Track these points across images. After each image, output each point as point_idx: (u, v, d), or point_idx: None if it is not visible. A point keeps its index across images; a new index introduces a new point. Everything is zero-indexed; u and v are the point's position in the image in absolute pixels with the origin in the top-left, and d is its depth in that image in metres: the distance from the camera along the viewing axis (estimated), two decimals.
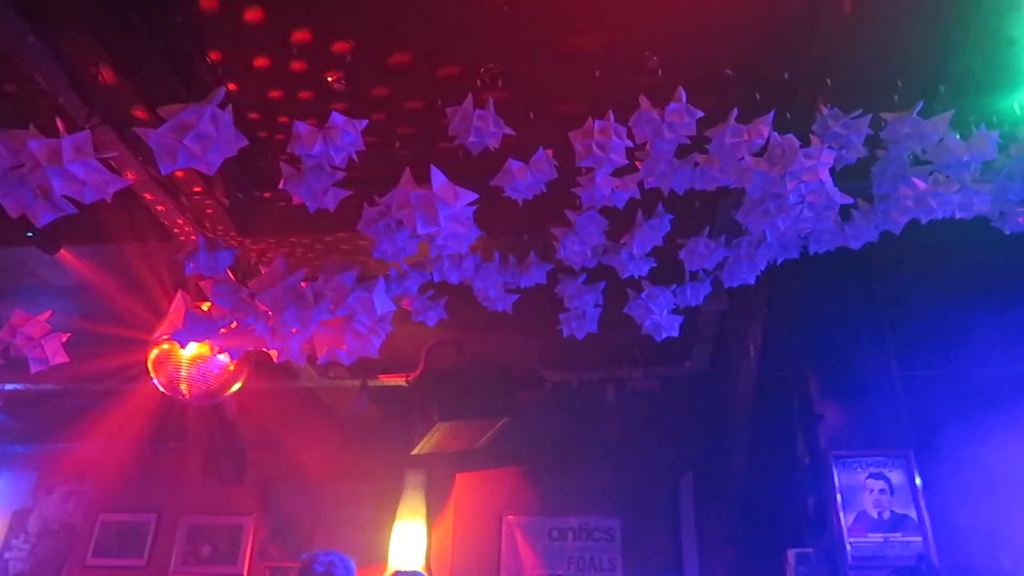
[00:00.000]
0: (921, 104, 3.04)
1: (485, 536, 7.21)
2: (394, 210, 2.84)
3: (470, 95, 2.89)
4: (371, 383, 6.45)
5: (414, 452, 6.93)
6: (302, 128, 2.71)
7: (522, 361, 6.30)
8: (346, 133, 2.70)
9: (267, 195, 4.39)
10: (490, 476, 7.40)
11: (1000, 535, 6.07)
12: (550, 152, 3.00)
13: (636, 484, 7.07)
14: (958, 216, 3.37)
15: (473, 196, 2.76)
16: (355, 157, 2.85)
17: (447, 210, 2.71)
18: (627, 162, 2.93)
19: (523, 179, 2.98)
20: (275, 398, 6.85)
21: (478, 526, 7.27)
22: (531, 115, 3.15)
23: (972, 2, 3.34)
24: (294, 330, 3.43)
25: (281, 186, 2.96)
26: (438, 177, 2.70)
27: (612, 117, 2.80)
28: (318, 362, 3.63)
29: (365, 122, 2.75)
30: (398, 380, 6.39)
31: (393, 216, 2.89)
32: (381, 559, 7.00)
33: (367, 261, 3.80)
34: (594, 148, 2.77)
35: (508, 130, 2.89)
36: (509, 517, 7.25)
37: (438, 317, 3.89)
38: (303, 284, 3.36)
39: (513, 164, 2.96)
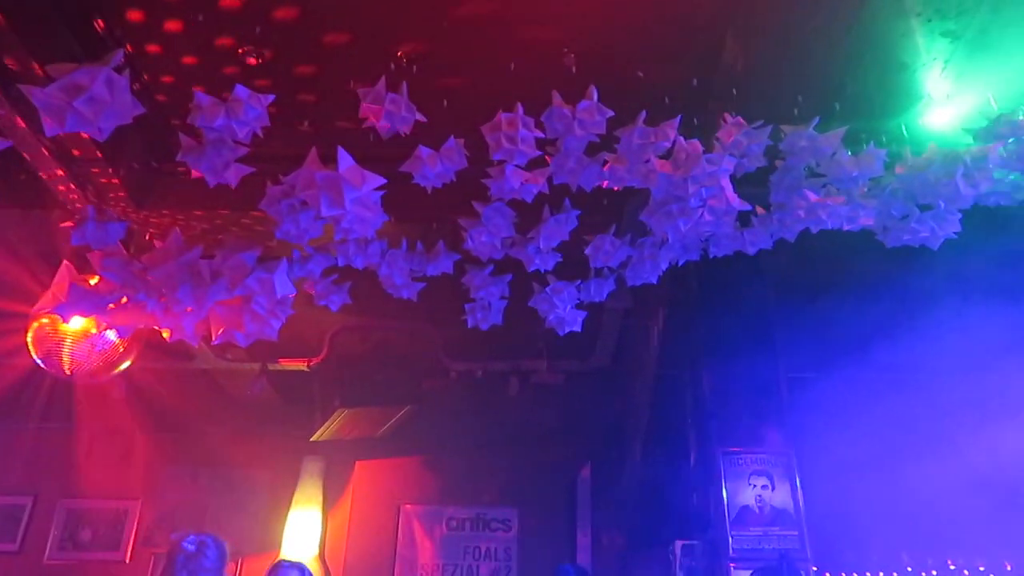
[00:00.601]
0: (817, 119, 3.19)
1: (382, 525, 7.16)
2: (299, 190, 2.77)
3: (383, 78, 2.85)
4: (271, 367, 6.29)
5: (313, 439, 6.81)
6: (204, 99, 2.60)
7: (427, 350, 6.28)
8: (251, 107, 2.62)
9: (166, 167, 4.20)
10: (390, 465, 7.35)
11: (869, 529, 6.48)
12: (461, 142, 2.99)
13: (535, 475, 7.17)
14: (845, 228, 3.56)
15: (380, 180, 2.72)
16: (260, 133, 2.77)
17: (353, 193, 2.67)
18: (539, 153, 2.96)
19: (433, 167, 2.96)
20: (168, 379, 6.59)
21: (376, 515, 7.21)
22: (444, 103, 3.14)
23: (869, 28, 3.52)
24: (188, 309, 3.30)
25: (179, 158, 2.84)
26: (345, 159, 2.65)
27: (521, 110, 2.81)
28: (213, 343, 3.51)
29: (271, 97, 2.67)
30: (299, 365, 6.26)
31: (297, 196, 2.82)
32: (274, 547, 6.84)
33: (270, 241, 3.70)
34: (503, 140, 2.78)
35: (420, 116, 2.87)
36: (407, 506, 7.23)
37: (342, 302, 3.82)
38: (200, 261, 3.24)
39: (423, 151, 2.94)
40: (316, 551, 6.86)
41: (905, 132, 3.69)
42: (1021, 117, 3.31)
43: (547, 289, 3.79)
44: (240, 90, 2.60)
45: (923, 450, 5.48)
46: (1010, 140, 3.39)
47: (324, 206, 2.68)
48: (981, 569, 7.13)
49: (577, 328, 4.04)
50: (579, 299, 4.01)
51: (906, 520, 6.44)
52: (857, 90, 3.64)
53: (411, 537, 7.15)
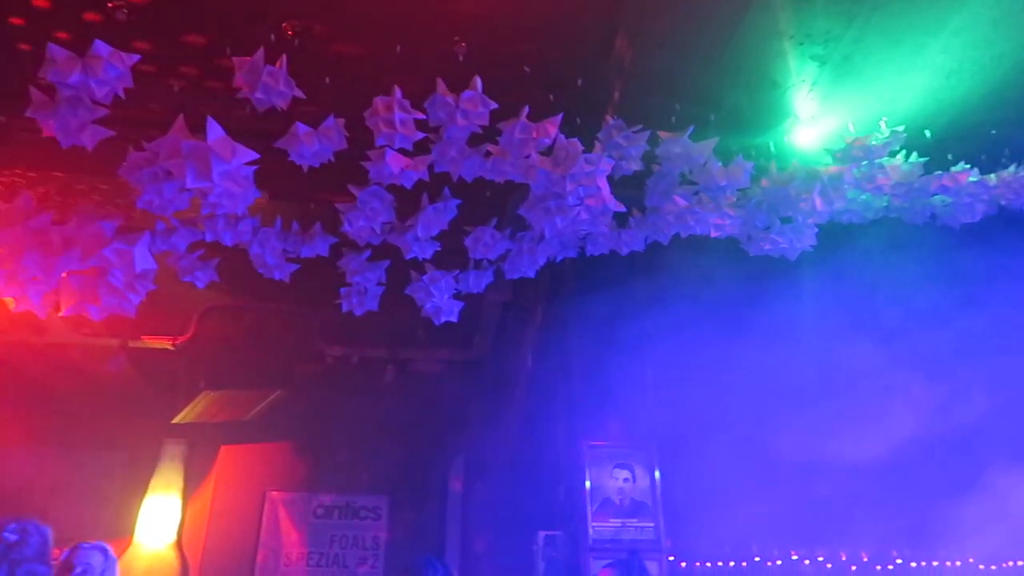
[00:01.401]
0: (692, 128, 3.32)
1: (246, 512, 6.91)
2: (163, 159, 2.63)
3: (262, 49, 2.74)
4: (132, 344, 5.94)
5: (175, 421, 6.49)
6: (57, 52, 2.42)
7: (302, 333, 6.11)
8: (111, 66, 2.45)
9: (16, 122, 3.87)
10: (257, 450, 7.10)
11: (724, 522, 6.84)
12: (342, 122, 2.92)
13: (408, 464, 7.11)
14: (713, 235, 3.74)
15: (252, 155, 2.62)
16: (122, 94, 2.60)
17: (222, 166, 2.55)
18: (422, 136, 2.93)
19: (310, 145, 2.87)
20: (15, 352, 6.10)
21: (239, 501, 6.95)
22: (327, 80, 3.05)
23: (745, 45, 3.68)
24: (36, 277, 3.08)
25: (28, 114, 2.63)
26: (215, 129, 2.53)
27: (399, 93, 2.78)
28: (62, 314, 3.28)
29: (135, 57, 2.51)
30: (164, 343, 5.94)
31: (161, 165, 2.67)
32: (126, 533, 6.48)
33: (131, 211, 3.49)
34: (381, 125, 2.73)
35: (298, 92, 2.78)
36: (273, 493, 7.01)
37: (208, 279, 3.66)
38: (51, 227, 3.02)
39: (300, 128, 2.85)
40: (173, 538, 6.55)
41: (772, 148, 3.89)
42: (874, 143, 3.58)
43: (424, 278, 3.77)
44: (100, 46, 2.43)
45: (773, 448, 5.82)
46: (863, 163, 3.65)
47: (190, 177, 2.55)
48: (820, 560, 7.67)
49: (454, 318, 4.04)
50: (457, 289, 4.01)
51: (756, 515, 6.84)
52: (731, 104, 3.81)
53: (276, 525, 6.95)
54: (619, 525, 4.69)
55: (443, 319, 4.01)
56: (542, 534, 4.86)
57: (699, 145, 3.34)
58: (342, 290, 3.93)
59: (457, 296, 4.04)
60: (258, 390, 6.29)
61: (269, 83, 2.70)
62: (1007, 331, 5.33)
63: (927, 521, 7.11)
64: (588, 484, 4.67)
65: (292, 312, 5.93)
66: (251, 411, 6.62)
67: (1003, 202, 3.94)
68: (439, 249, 3.67)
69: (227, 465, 7.07)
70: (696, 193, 3.68)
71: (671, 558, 6.69)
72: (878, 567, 7.58)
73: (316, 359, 6.27)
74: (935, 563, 7.56)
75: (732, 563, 7.56)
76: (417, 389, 6.52)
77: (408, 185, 3.11)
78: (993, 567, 7.48)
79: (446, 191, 3.33)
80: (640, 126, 3.29)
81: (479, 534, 6.39)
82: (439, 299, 3.89)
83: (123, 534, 6.51)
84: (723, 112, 3.77)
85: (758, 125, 3.98)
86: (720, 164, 3.44)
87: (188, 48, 3.55)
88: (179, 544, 6.59)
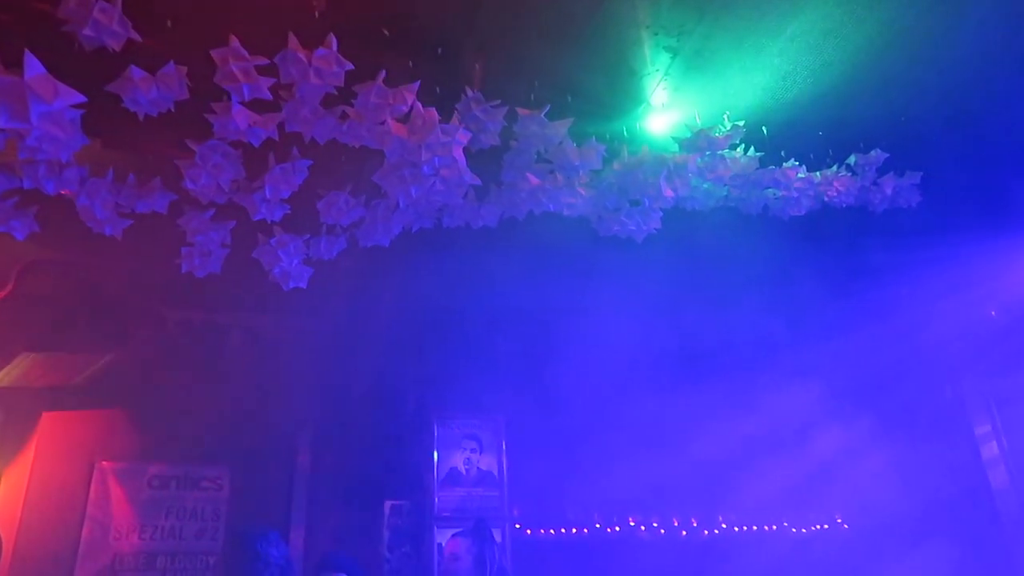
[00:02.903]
0: (548, 107, 3.39)
1: (71, 484, 6.44)
2: None
3: None
4: None
5: None
6: None
7: (140, 294, 5.73)
8: None
9: None
10: (86, 417, 6.62)
11: (567, 493, 7.12)
12: (184, 69, 2.74)
13: (252, 434, 6.87)
14: (565, 213, 3.84)
15: (78, 97, 2.41)
16: None
17: (41, 106, 2.33)
18: (268, 87, 2.80)
19: (147, 92, 2.68)
20: None
21: (64, 472, 6.46)
22: (168, 23, 2.85)
23: (605, 30, 3.78)
24: None
25: None
26: (33, 65, 2.31)
27: (235, 43, 2.64)
28: None
29: None
30: None
31: None
32: None
33: None
34: (231, 67, 2.59)
35: (134, 35, 2.58)
36: (104, 463, 6.57)
37: (28, 230, 3.36)
38: None
39: (136, 72, 2.65)
40: None
41: (625, 133, 4.03)
42: (717, 135, 3.79)
43: (272, 241, 3.64)
44: None
45: (612, 424, 6.12)
46: (707, 153, 3.87)
47: (2, 116, 2.32)
48: (655, 525, 8.17)
49: (302, 284, 3.93)
50: (307, 255, 3.90)
51: (597, 486, 7.19)
52: (588, 88, 3.90)
53: (106, 497, 6.52)
54: (465, 494, 4.78)
55: (291, 285, 3.89)
56: (388, 503, 4.86)
57: (555, 124, 3.40)
58: (183, 249, 3.73)
59: (307, 262, 3.93)
60: (88, 353, 5.85)
61: (100, 20, 2.49)
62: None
63: (749, 490, 7.78)
64: (435, 455, 4.72)
65: (129, 271, 5.54)
66: (80, 375, 6.16)
67: (826, 198, 4.30)
68: (289, 212, 3.55)
69: (50, 433, 6.56)
70: (551, 172, 3.75)
71: (517, 526, 6.92)
72: (705, 532, 8.20)
73: (156, 322, 5.90)
74: (755, 528, 8.28)
75: (575, 530, 7.91)
76: (262, 357, 6.30)
77: (256, 143, 2.97)
78: (804, 530, 8.30)
79: (295, 151, 3.21)
80: (499, 101, 3.31)
81: (325, 505, 6.30)
82: (287, 264, 3.77)
83: None
84: (580, 95, 3.85)
85: (613, 110, 4.10)
86: (575, 145, 3.53)
87: None
88: None
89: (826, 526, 8.37)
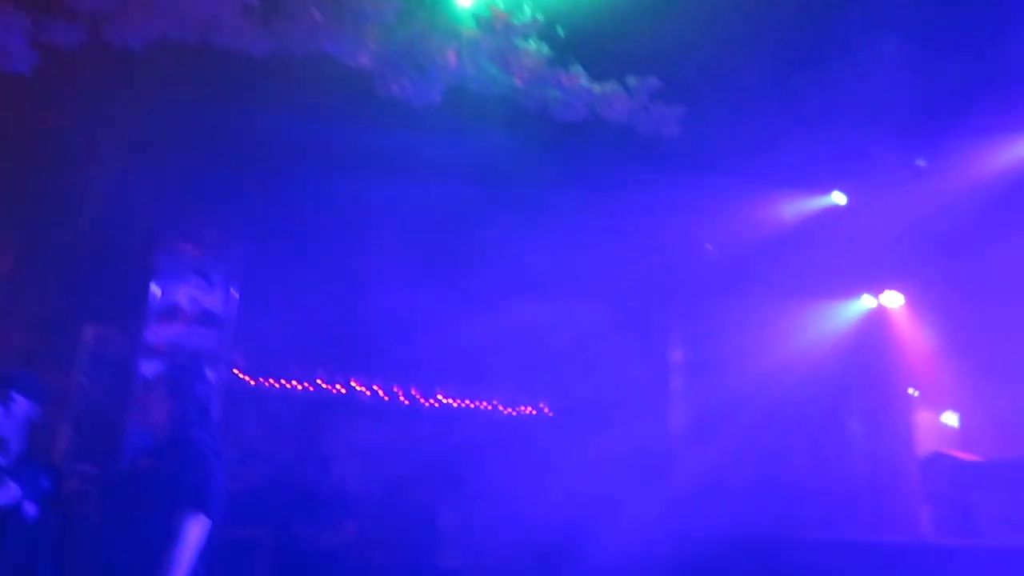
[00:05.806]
0: None
1: None
2: None
3: None
4: None
5: None
6: None
7: None
8: None
9: None
10: None
11: (295, 344, 7.05)
12: None
13: None
14: (348, 61, 3.57)
15: None
16: None
17: None
18: None
19: None
20: None
21: None
22: None
23: None
24: None
25: None
26: None
27: None
28: None
29: None
30: None
31: None
32: None
33: None
34: None
35: None
36: None
37: None
38: None
39: None
40: None
41: None
42: (515, 22, 3.73)
43: None
44: None
45: (352, 283, 6.07)
46: (501, 37, 3.80)
47: None
48: (376, 390, 8.47)
49: (25, 70, 3.31)
50: (35, 37, 3.27)
51: (327, 344, 7.21)
52: None
53: None
54: (185, 331, 4.50)
55: (12, 67, 3.27)
56: (92, 328, 4.43)
57: None
58: None
59: (38, 46, 3.31)
60: None
61: None
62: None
63: (468, 371, 8.34)
64: (154, 285, 4.34)
65: None
66: None
67: (598, 111, 4.45)
68: None
69: None
70: (341, 16, 3.47)
71: (235, 371, 6.73)
72: (424, 402, 8.70)
73: None
74: (468, 403, 8.96)
75: (297, 384, 7.93)
76: None
77: None
78: (513, 411, 9.13)
79: None
80: None
81: (15, 319, 5.62)
82: (4, 38, 3.15)
83: None
84: None
85: None
86: None
87: None
88: None
89: (532, 410, 9.28)
